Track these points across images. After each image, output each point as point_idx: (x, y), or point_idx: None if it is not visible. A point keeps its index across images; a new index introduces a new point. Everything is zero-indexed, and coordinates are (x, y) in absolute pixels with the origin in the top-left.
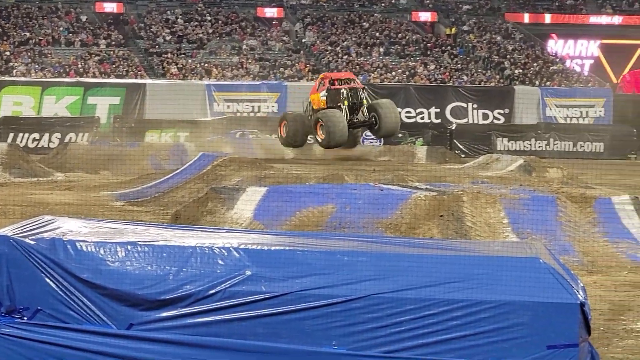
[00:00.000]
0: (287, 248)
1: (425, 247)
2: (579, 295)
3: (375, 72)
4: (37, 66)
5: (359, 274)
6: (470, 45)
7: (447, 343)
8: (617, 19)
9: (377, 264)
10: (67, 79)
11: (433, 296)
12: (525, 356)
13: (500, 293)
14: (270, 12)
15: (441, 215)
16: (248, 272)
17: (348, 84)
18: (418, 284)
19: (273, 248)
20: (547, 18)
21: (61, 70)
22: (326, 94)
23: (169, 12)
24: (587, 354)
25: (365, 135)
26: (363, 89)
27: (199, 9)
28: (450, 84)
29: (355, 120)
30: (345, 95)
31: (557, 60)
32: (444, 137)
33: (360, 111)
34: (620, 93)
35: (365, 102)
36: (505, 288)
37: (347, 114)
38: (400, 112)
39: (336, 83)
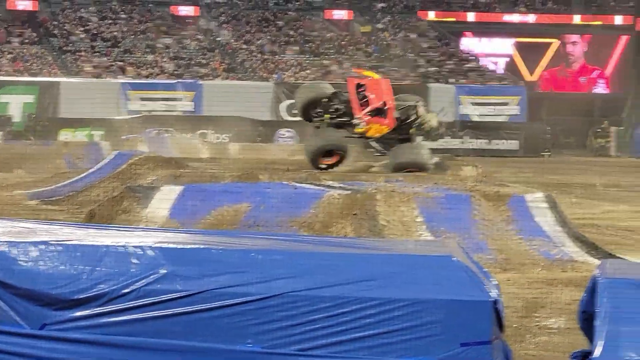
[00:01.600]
0: (203, 246)
1: (339, 246)
2: (492, 293)
3: (290, 71)
4: None
5: (273, 272)
6: (384, 43)
7: (361, 341)
8: (531, 17)
9: (292, 262)
10: None
11: (347, 294)
12: (438, 353)
13: (414, 291)
14: (185, 10)
15: (355, 214)
16: (163, 271)
17: None
18: (332, 282)
19: (188, 246)
20: (462, 16)
21: None
22: None
23: (82, 10)
24: (500, 351)
25: (279, 133)
26: None
27: (113, 7)
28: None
29: None
30: None
31: (472, 58)
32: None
33: None
34: (535, 91)
35: None
36: (419, 286)
37: None
38: None
39: None
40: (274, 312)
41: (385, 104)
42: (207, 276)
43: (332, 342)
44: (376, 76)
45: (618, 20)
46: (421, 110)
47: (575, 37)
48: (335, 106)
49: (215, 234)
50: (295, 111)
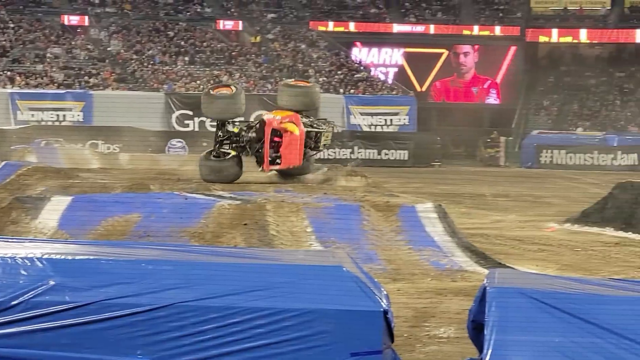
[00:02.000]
0: (92, 257)
1: (229, 256)
2: (382, 303)
3: (180, 81)
4: None
5: (163, 282)
6: (274, 53)
7: (251, 351)
8: (420, 28)
9: (181, 272)
10: None
11: (237, 304)
12: None
13: (304, 301)
14: (75, 20)
15: (245, 224)
16: (52, 282)
17: None
18: (222, 292)
19: (77, 257)
20: (352, 26)
21: None
22: None
23: None
24: None
25: (170, 143)
26: None
27: (1, 15)
28: (255, 93)
29: None
30: None
31: (362, 68)
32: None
33: None
34: (425, 101)
35: None
36: (309, 296)
37: None
38: (206, 121)
39: None
40: (163, 323)
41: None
42: (96, 287)
43: (223, 352)
44: (297, 132)
45: (507, 31)
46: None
47: (467, 48)
48: (244, 139)
49: (105, 244)
50: (188, 121)
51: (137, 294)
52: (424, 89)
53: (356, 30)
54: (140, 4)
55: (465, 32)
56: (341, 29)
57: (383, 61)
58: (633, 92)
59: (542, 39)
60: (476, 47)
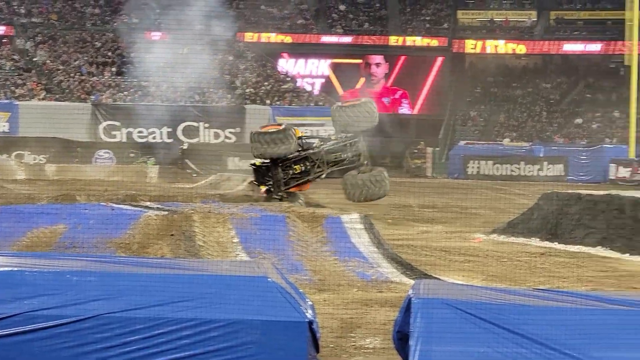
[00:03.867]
0: (16, 269)
1: (155, 267)
2: (307, 314)
3: (108, 92)
4: None
5: (88, 293)
6: (202, 64)
7: None
8: (347, 39)
9: (107, 283)
10: None
11: (163, 315)
12: None
13: (230, 312)
14: (1, 30)
15: (172, 234)
16: None
17: None
18: (148, 303)
19: (1, 269)
20: (279, 37)
21: None
22: None
23: None
24: None
25: (98, 154)
26: None
27: None
28: (182, 104)
29: None
30: None
31: (288, 79)
32: (176, 156)
33: None
34: None
35: None
36: (234, 307)
37: None
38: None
39: None
40: (88, 334)
41: None
42: (20, 299)
43: None
44: None
45: (434, 41)
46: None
47: (378, 59)
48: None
49: (30, 256)
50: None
51: (61, 305)
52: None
53: (283, 42)
54: (66, 15)
55: (393, 42)
56: (268, 40)
57: (310, 72)
58: (559, 103)
59: (469, 50)
60: (401, 57)
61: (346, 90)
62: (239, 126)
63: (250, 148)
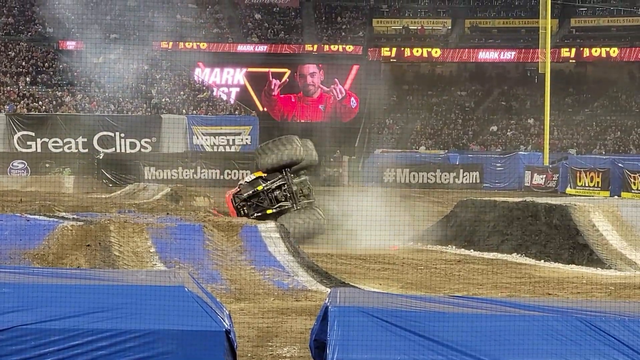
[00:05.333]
0: None
1: (71, 277)
2: (224, 323)
3: (22, 102)
4: None
5: (2, 305)
6: (117, 74)
7: None
8: (262, 48)
9: (22, 295)
10: None
11: (78, 326)
12: None
13: (146, 322)
14: None
15: (88, 245)
16: None
17: None
18: (63, 314)
19: None
20: (194, 46)
21: None
22: None
23: None
24: None
25: (12, 164)
26: None
27: None
28: (98, 113)
29: None
30: None
31: (204, 88)
32: (92, 166)
33: None
34: (267, 120)
35: None
36: (151, 317)
37: None
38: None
39: None
40: (3, 346)
41: None
42: None
43: None
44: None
45: (349, 50)
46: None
47: (313, 68)
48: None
49: None
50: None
51: None
52: (266, 108)
53: (199, 50)
54: None
55: (308, 50)
56: (184, 49)
57: (225, 81)
58: (474, 111)
59: (384, 58)
60: (319, 65)
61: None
62: (155, 136)
63: (257, 165)
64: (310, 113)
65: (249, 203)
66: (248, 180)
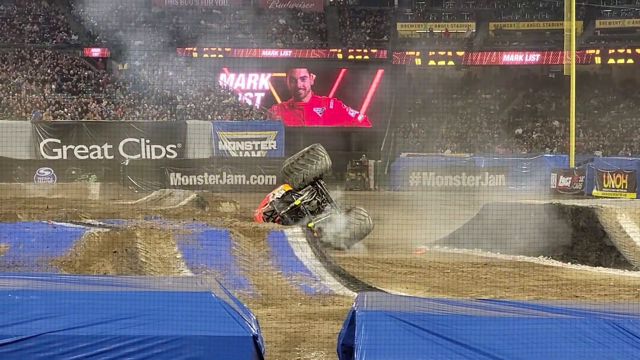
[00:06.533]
0: None
1: (98, 284)
2: (251, 328)
3: (48, 110)
4: None
5: (30, 312)
6: (142, 80)
7: None
8: (287, 53)
9: (49, 302)
10: None
11: (106, 333)
12: None
13: (173, 328)
14: None
15: (115, 252)
16: None
17: None
18: (91, 321)
19: None
20: (220, 52)
21: None
22: None
23: None
24: None
25: (39, 172)
26: None
27: None
28: (123, 120)
29: None
30: None
31: (229, 94)
32: (118, 173)
33: None
34: (292, 125)
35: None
36: (178, 323)
37: None
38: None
39: None
40: (31, 353)
41: None
42: None
43: None
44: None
45: (374, 54)
46: None
47: (303, 72)
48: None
49: None
50: (56, 150)
51: (4, 325)
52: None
53: (224, 56)
54: (5, 32)
55: (335, 55)
56: (209, 55)
57: (250, 86)
58: (499, 114)
59: (409, 61)
60: (342, 70)
61: (275, 103)
62: (180, 141)
63: (289, 182)
64: (306, 117)
65: (285, 219)
66: (279, 197)
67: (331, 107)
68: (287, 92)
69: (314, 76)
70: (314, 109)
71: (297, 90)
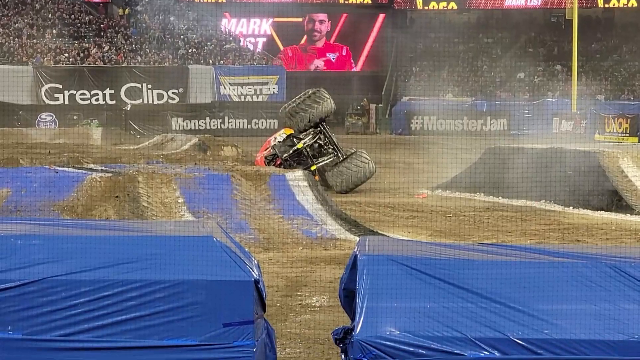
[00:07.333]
0: None
1: (100, 229)
2: (253, 273)
3: (49, 55)
4: None
5: (32, 257)
6: (143, 25)
7: (123, 324)
8: None
9: (51, 246)
10: None
11: (108, 277)
12: (201, 334)
13: (175, 272)
14: None
15: (117, 196)
16: None
17: None
18: (93, 265)
19: None
20: None
21: None
22: None
23: None
24: (263, 330)
25: (40, 117)
26: None
27: None
28: (125, 65)
29: None
30: None
31: (231, 38)
32: (119, 118)
33: None
34: (293, 70)
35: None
36: (180, 267)
37: None
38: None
39: None
40: (34, 298)
41: None
42: None
43: (95, 326)
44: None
45: None
46: None
47: (322, 16)
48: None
49: None
50: (58, 95)
51: (6, 269)
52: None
53: (225, 1)
54: None
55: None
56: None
57: (252, 31)
58: (500, 58)
59: (410, 6)
60: (343, 15)
61: (286, 46)
62: (182, 86)
63: (291, 125)
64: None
65: (288, 163)
66: (280, 140)
67: (344, 54)
68: (290, 36)
69: (330, 23)
70: (327, 54)
71: (312, 32)
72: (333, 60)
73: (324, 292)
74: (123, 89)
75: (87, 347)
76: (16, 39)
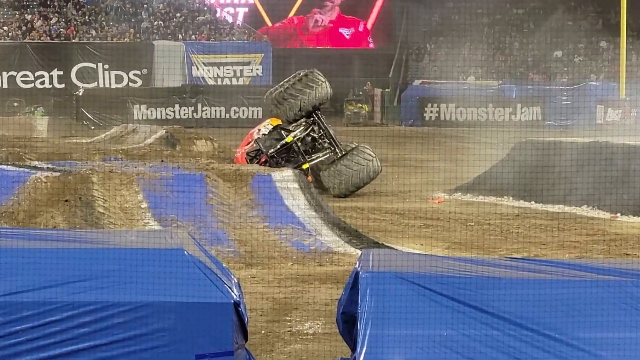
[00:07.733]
0: None
1: (46, 240)
2: (232, 293)
3: None
4: None
5: None
6: None
7: (74, 356)
8: None
9: None
10: None
11: (55, 299)
12: None
13: (137, 293)
14: None
15: (66, 200)
16: None
17: None
18: (37, 284)
19: None
20: None
21: None
22: None
23: None
24: None
25: None
26: None
27: None
28: (76, 41)
29: None
30: None
31: (205, 9)
32: (70, 105)
33: None
34: (281, 48)
35: None
36: (143, 287)
37: None
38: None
39: None
40: None
41: None
42: None
43: (39, 358)
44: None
45: None
46: None
47: None
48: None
49: None
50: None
51: None
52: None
53: None
54: None
55: None
56: None
57: (231, 0)
58: (533, 33)
59: None
60: None
61: (280, 20)
62: (146, 67)
63: (278, 114)
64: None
65: (274, 160)
66: (265, 132)
67: (360, 30)
68: (278, 8)
69: None
70: (340, 30)
71: (323, 2)
72: (347, 37)
73: (318, 317)
74: (74, 69)
75: None
76: None
